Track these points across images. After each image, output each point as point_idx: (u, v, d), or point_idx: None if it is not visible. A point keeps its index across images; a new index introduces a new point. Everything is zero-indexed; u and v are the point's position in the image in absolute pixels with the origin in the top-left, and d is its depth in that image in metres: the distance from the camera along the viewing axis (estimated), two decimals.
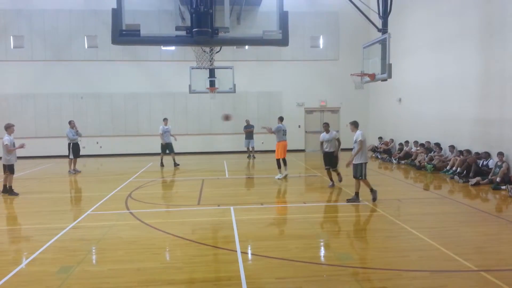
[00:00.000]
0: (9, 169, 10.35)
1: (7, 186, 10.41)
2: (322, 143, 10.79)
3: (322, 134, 10.84)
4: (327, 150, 10.65)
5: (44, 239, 6.63)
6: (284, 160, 12.75)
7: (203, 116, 20.77)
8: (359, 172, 8.92)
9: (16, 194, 10.33)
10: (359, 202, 8.96)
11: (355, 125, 9.21)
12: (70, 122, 14.71)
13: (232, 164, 16.46)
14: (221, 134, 20.92)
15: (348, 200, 9.15)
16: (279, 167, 12.76)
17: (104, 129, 19.95)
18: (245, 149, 18.67)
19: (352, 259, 5.60)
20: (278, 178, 12.53)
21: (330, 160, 10.72)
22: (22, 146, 10.42)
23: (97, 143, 19.56)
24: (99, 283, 4.92)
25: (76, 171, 14.43)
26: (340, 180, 11.09)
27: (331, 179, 11.08)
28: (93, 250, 6.12)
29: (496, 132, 11.86)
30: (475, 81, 12.76)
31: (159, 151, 16.03)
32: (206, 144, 20.70)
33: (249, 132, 18.29)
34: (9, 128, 10.40)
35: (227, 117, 11.99)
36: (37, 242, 6.58)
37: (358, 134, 8.96)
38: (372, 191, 9.02)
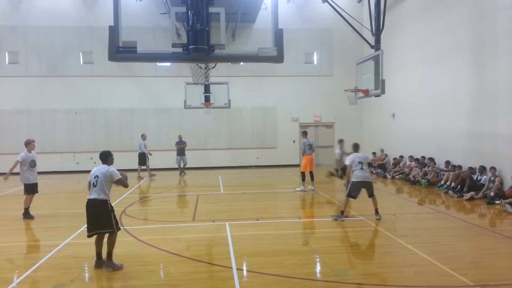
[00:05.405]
0: (26, 189, 9.43)
1: (24, 208, 9.47)
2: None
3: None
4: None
5: (37, 256, 6.55)
6: (312, 175, 13.04)
7: (198, 131, 20.79)
8: (347, 190, 8.94)
9: (32, 218, 9.37)
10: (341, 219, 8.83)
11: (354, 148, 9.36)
12: (143, 135, 17.09)
13: (227, 179, 16.42)
14: (216, 149, 20.93)
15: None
16: (303, 179, 13.14)
17: (99, 144, 19.82)
18: (176, 166, 18.18)
19: (348, 275, 5.57)
20: (298, 190, 12.93)
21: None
22: (5, 178, 9.30)
23: (91, 158, 19.45)
24: None
25: (141, 178, 16.60)
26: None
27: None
28: (87, 268, 6.03)
29: (489, 146, 11.97)
30: (468, 97, 12.93)
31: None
32: (201, 159, 20.67)
33: (181, 148, 18.03)
34: (28, 144, 9.49)
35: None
36: (30, 259, 6.49)
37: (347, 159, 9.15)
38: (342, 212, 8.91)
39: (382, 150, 18.54)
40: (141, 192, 13.45)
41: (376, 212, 8.92)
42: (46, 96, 19.80)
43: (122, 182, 6.06)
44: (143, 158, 16.85)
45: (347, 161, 9.00)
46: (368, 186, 8.85)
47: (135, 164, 18.74)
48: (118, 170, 6.03)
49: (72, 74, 19.99)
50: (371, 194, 8.92)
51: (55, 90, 19.87)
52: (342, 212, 8.86)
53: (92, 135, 20.02)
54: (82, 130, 20.01)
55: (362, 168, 8.77)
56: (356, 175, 8.79)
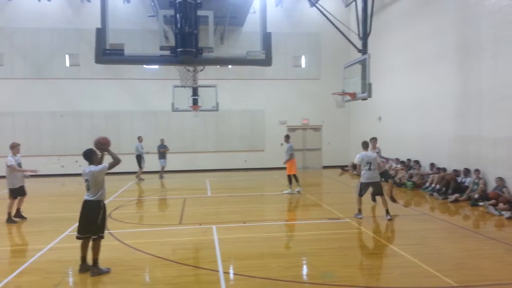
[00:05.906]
0: (11, 193, 9.32)
1: (7, 213, 9.29)
2: None
3: None
4: None
5: (20, 261, 6.43)
6: (296, 177, 13.14)
7: (185, 134, 20.70)
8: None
9: (15, 222, 9.26)
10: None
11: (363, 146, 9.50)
12: (139, 137, 17.14)
13: (215, 182, 16.37)
14: (203, 152, 20.86)
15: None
16: (290, 182, 13.09)
17: (84, 147, 19.33)
18: (160, 168, 17.95)
19: (334, 277, 5.59)
20: (286, 193, 12.94)
21: None
22: (34, 172, 9.53)
23: (77, 161, 19.16)
24: None
25: (141, 180, 16.85)
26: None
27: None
28: (71, 272, 5.95)
29: (474, 149, 12.16)
30: (453, 100, 13.12)
31: (141, 169, 17.16)
32: (188, 162, 20.57)
33: (164, 152, 17.84)
34: (13, 147, 9.41)
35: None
36: (12, 264, 6.38)
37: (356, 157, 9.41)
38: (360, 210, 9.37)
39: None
40: (127, 196, 13.32)
41: (387, 212, 9.13)
42: (31, 99, 19.50)
43: (114, 165, 6.12)
44: (140, 160, 17.00)
45: (356, 160, 9.26)
46: (375, 185, 9.21)
47: (120, 168, 18.61)
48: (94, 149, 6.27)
49: (58, 77, 19.72)
50: (379, 193, 9.26)
51: (41, 93, 19.58)
52: (360, 210, 9.32)
53: (77, 138, 19.71)
54: (68, 133, 19.75)
55: (370, 169, 9.06)
56: (364, 175, 9.14)
